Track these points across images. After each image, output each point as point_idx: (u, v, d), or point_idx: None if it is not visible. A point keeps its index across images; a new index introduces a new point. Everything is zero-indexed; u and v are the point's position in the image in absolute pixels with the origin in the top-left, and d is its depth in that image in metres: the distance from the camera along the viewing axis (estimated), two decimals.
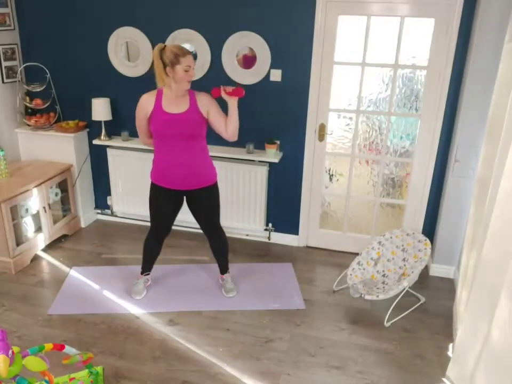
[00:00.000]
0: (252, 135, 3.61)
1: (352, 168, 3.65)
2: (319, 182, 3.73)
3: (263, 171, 3.67)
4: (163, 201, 2.91)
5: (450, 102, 3.25)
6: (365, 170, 3.70)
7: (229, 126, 2.73)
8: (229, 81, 3.54)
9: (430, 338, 2.85)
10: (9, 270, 3.41)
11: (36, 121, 3.90)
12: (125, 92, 3.79)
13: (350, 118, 3.55)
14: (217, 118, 2.73)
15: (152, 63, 2.58)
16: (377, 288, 3.08)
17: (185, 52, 2.60)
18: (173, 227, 3.09)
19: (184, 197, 2.96)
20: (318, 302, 3.18)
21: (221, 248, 3.17)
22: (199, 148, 2.79)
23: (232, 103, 2.68)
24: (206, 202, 2.93)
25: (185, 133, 2.69)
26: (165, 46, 2.61)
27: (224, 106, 2.75)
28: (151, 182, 2.90)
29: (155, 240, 3.09)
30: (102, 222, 4.31)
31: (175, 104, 2.69)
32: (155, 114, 2.70)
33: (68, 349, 2.07)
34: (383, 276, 3.21)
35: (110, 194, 4.17)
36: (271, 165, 3.69)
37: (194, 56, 3.54)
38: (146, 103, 2.72)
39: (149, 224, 3.08)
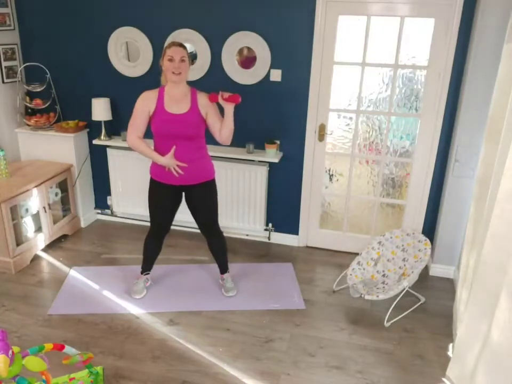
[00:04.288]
0: (252, 135, 3.61)
1: (352, 168, 3.65)
2: (319, 182, 3.73)
3: (263, 171, 3.67)
4: (162, 197, 2.91)
5: (450, 102, 3.25)
6: (365, 170, 3.70)
7: (222, 131, 2.73)
8: (228, 81, 3.55)
9: (430, 338, 2.85)
10: (9, 270, 3.41)
11: (36, 121, 3.90)
12: (125, 91, 3.79)
13: (350, 118, 3.55)
14: (214, 120, 2.74)
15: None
16: (377, 288, 3.08)
17: (173, 44, 2.65)
18: (173, 227, 3.09)
19: (183, 195, 2.96)
20: (318, 302, 3.18)
21: (220, 249, 3.17)
22: (198, 145, 2.80)
23: (228, 108, 2.68)
24: (204, 199, 2.94)
25: (184, 133, 2.70)
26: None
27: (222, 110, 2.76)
28: (150, 177, 2.91)
29: (155, 239, 3.10)
30: (102, 222, 4.31)
31: (176, 103, 2.70)
32: (157, 114, 2.70)
33: (68, 349, 2.07)
34: (383, 275, 3.21)
35: (110, 194, 4.17)
36: (271, 165, 3.69)
37: (194, 56, 3.54)
38: (148, 100, 2.72)
39: (148, 224, 3.09)
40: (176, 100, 2.70)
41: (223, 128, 2.72)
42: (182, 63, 2.62)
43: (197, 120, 2.72)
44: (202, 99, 2.73)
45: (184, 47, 2.66)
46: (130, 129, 2.76)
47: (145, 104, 2.72)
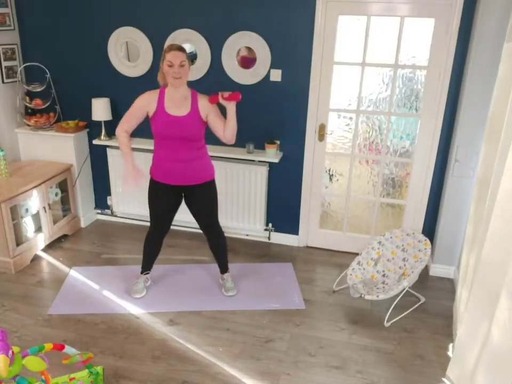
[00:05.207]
0: (252, 135, 3.61)
1: (352, 168, 3.65)
2: (319, 182, 3.73)
3: (263, 171, 3.67)
4: (162, 198, 2.92)
5: (450, 102, 3.25)
6: (365, 170, 3.70)
7: (226, 130, 2.75)
8: (228, 81, 3.55)
9: (430, 338, 2.85)
10: (9, 270, 3.41)
11: (36, 121, 3.90)
12: (125, 92, 3.79)
13: (350, 118, 3.55)
14: (216, 121, 2.76)
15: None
16: (377, 288, 3.08)
17: (171, 48, 2.63)
18: (173, 227, 3.10)
19: (183, 196, 2.96)
20: (318, 302, 3.18)
21: (220, 248, 3.18)
22: (198, 146, 2.82)
23: (230, 108, 2.69)
24: (204, 199, 2.94)
25: (184, 134, 2.72)
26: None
27: (222, 110, 2.75)
28: (150, 178, 2.92)
29: (154, 239, 3.10)
30: (102, 222, 4.31)
31: (177, 105, 2.71)
32: (157, 116, 2.71)
33: (68, 349, 2.07)
34: (383, 275, 3.21)
35: (110, 194, 4.17)
36: (271, 165, 3.69)
37: (194, 56, 3.54)
38: (149, 101, 2.72)
39: (148, 224, 3.09)
40: (177, 102, 2.71)
41: (227, 128, 2.74)
42: (182, 67, 2.62)
43: (197, 122, 2.73)
44: (203, 101, 2.74)
45: (183, 50, 2.65)
46: (123, 120, 2.81)
47: (145, 103, 2.73)
